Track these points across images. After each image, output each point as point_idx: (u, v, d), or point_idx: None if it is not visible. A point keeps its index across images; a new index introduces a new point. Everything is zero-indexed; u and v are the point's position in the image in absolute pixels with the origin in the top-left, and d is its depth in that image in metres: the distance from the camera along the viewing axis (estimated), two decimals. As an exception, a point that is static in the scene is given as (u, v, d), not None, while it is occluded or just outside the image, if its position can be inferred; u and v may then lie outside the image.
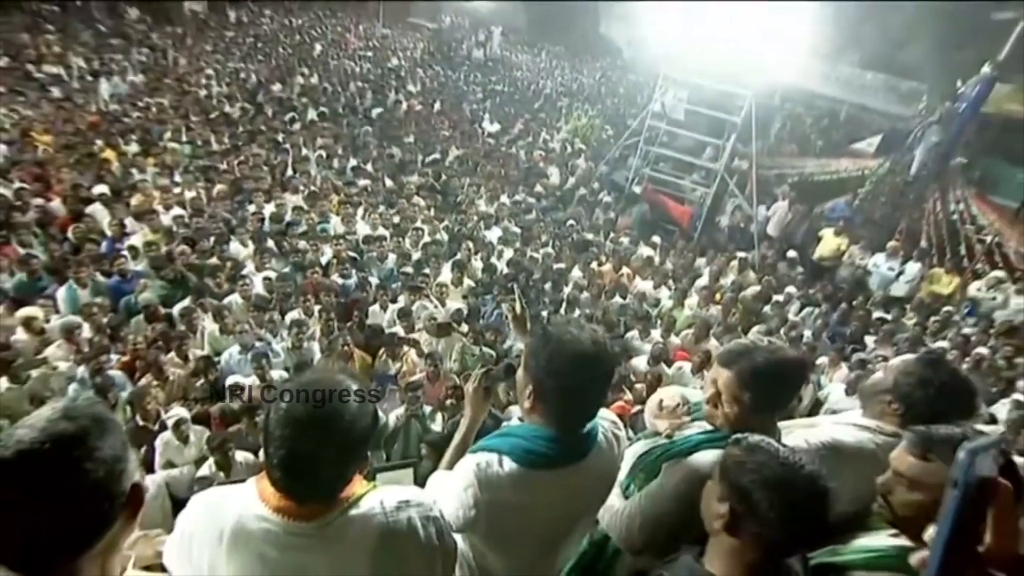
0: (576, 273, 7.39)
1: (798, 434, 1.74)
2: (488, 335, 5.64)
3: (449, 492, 1.43)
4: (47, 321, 5.19)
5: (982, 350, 6.38)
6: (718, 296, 7.29)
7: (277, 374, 5.01)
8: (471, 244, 7.38)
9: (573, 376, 1.37)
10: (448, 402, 4.74)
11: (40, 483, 0.87)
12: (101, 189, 7.15)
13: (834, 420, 1.94)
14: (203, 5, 19.65)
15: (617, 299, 6.93)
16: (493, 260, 7.23)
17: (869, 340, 6.76)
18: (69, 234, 6.38)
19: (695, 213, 10.04)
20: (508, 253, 7.52)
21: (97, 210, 6.88)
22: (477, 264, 7.16)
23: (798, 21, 9.29)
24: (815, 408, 5.55)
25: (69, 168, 7.71)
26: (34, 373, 4.62)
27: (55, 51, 12.39)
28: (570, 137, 13.52)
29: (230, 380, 4.76)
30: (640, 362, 5.79)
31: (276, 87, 12.97)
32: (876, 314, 7.42)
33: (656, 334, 6.30)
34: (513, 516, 1.42)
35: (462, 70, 19.17)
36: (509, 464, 1.40)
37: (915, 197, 9.41)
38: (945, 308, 7.45)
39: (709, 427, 1.68)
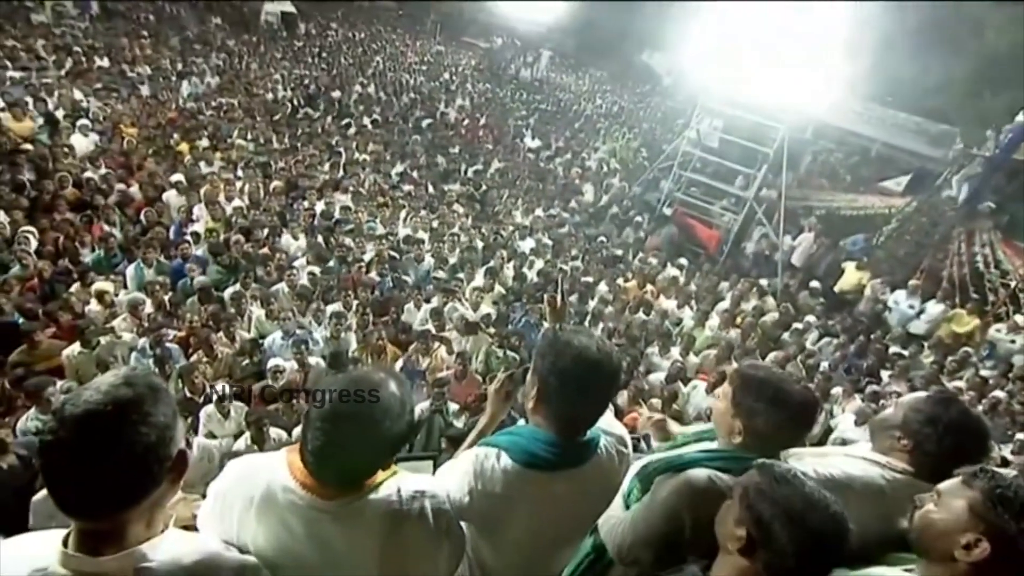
0: (602, 287, 7.32)
1: (808, 462, 1.68)
2: (514, 340, 5.62)
3: (450, 478, 1.44)
4: (116, 295, 5.41)
5: (999, 393, 6.07)
6: (738, 320, 7.13)
7: (315, 360, 5.10)
8: (504, 253, 7.40)
9: (575, 378, 1.35)
10: (472, 402, 4.75)
11: (101, 440, 0.92)
12: (176, 178, 7.43)
13: (844, 452, 1.87)
14: (277, 16, 20.29)
15: (640, 315, 6.84)
16: (524, 269, 7.22)
17: (885, 374, 6.51)
18: (143, 217, 6.64)
19: (722, 238, 9.87)
20: (539, 264, 7.50)
21: (171, 197, 7.17)
22: (508, 272, 7.17)
23: (834, 60, 9.06)
24: (825, 436, 5.38)
25: (148, 158, 8.04)
26: (102, 341, 4.81)
27: (147, 53, 12.98)
28: (607, 157, 13.45)
29: (271, 363, 4.87)
30: (658, 377, 5.70)
31: (335, 94, 13.28)
32: (893, 349, 7.14)
33: (675, 352, 6.20)
34: (504, 511, 1.40)
35: (509, 88, 19.31)
36: (506, 460, 1.39)
37: (940, 238, 9.06)
38: (963, 348, 7.13)
39: (711, 446, 1.63)
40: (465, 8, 31.36)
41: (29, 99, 8.69)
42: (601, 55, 28.25)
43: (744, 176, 10.03)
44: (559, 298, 2.10)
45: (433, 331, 5.61)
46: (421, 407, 4.67)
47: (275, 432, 4.28)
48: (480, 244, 7.78)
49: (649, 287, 7.52)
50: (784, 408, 1.49)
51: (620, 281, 7.55)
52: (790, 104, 9.18)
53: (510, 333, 5.73)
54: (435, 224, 7.81)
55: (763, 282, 8.44)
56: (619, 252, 8.73)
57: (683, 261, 8.72)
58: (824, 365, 6.45)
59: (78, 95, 9.41)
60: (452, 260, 7.11)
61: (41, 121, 8.34)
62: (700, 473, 1.50)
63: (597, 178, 11.79)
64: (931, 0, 13.36)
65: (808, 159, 13.64)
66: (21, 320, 4.86)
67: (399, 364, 5.26)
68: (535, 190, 10.24)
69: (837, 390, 5.93)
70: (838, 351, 7.02)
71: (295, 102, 12.24)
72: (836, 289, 8.76)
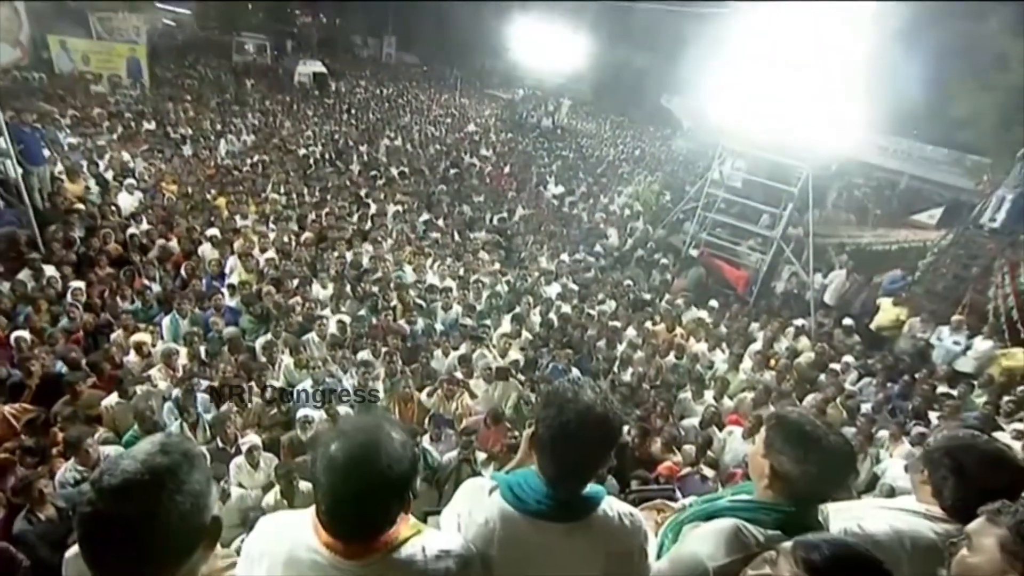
0: (631, 331, 7.24)
1: (851, 516, 1.60)
2: (543, 386, 5.55)
3: (450, 505, 1.50)
4: (154, 346, 5.57)
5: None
6: (772, 361, 6.94)
7: (344, 410, 5.11)
8: (531, 298, 7.42)
9: (572, 432, 1.32)
10: (501, 451, 4.67)
11: (138, 511, 0.93)
12: (212, 232, 7.73)
13: (883, 504, 1.79)
14: (309, 76, 21.45)
15: (671, 359, 6.72)
16: (551, 315, 7.21)
17: (933, 416, 6.19)
18: (182, 270, 6.91)
19: (751, 278, 9.73)
20: (566, 309, 7.48)
21: (206, 250, 7.45)
22: (535, 318, 7.16)
23: (855, 95, 9.08)
24: (872, 483, 5.10)
25: (186, 213, 8.43)
26: (138, 390, 4.92)
27: (189, 115, 13.84)
28: (630, 201, 13.55)
29: (300, 412, 4.88)
30: (691, 423, 5.54)
31: (364, 148, 13.79)
32: (941, 389, 6.81)
33: (709, 396, 6.03)
34: (488, 545, 1.37)
35: (531, 136, 19.81)
36: (496, 497, 1.39)
37: (980, 270, 8.75)
38: (1021, 388, 6.74)
39: (744, 495, 1.57)
40: (486, 61, 32.79)
41: (84, 162, 9.29)
42: (620, 101, 28.96)
43: (770, 215, 9.97)
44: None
45: (460, 376, 5.59)
46: (449, 456, 4.61)
47: (304, 485, 4.25)
48: (506, 290, 7.83)
49: (679, 330, 7.40)
50: (818, 456, 1.41)
51: (649, 325, 7.45)
52: (812, 141, 9.17)
53: (539, 379, 5.67)
54: (461, 272, 7.90)
55: (796, 322, 8.23)
56: (646, 295, 8.65)
57: (713, 302, 8.59)
58: (866, 407, 6.18)
59: (126, 157, 10.00)
60: (479, 307, 7.14)
61: (93, 182, 8.86)
62: (727, 523, 1.43)
63: (621, 222, 11.85)
64: (952, 31, 13.35)
65: (833, 195, 13.51)
66: (65, 371, 5.05)
67: (430, 412, 5.24)
68: (560, 235, 10.32)
69: (883, 433, 5.66)
70: (880, 392, 6.73)
71: (326, 156, 12.75)
72: (872, 327, 8.49)
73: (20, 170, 7.05)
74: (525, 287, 7.92)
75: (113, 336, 5.61)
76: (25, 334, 5.26)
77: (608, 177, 15.67)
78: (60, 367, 5.09)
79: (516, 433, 4.91)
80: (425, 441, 4.84)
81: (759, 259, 9.73)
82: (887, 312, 8.41)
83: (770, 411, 1.64)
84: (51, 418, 4.56)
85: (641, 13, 22.06)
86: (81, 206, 8.08)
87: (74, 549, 3.34)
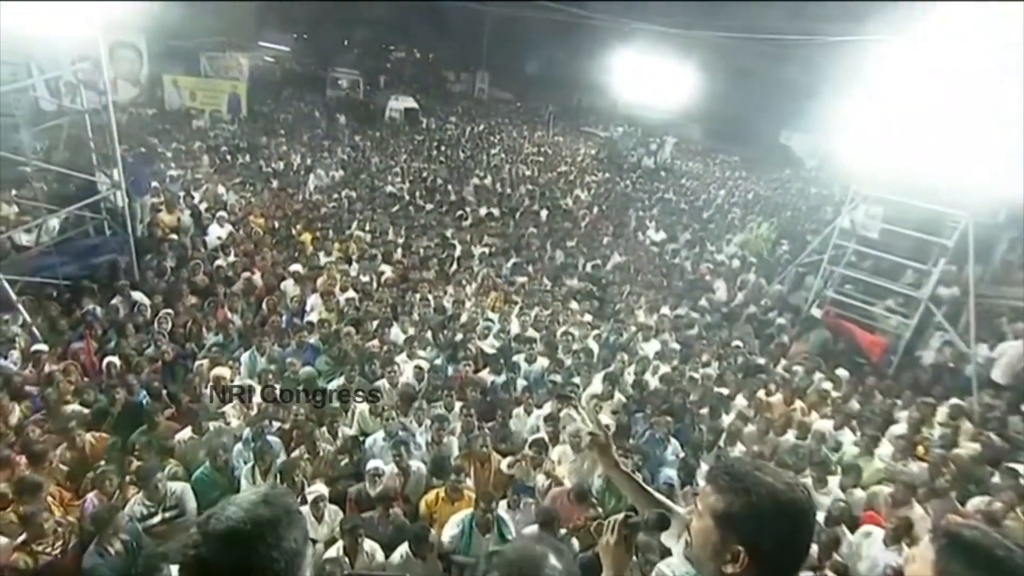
0: (740, 401, 6.87)
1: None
2: (636, 458, 5.31)
3: None
4: (232, 381, 5.97)
5: None
6: (921, 450, 6.27)
7: (416, 465, 5.16)
8: (625, 356, 7.25)
9: (795, 533, 1.25)
10: (581, 527, 4.50)
11: (238, 559, 1.00)
12: (295, 268, 8.30)
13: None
14: (400, 112, 23.03)
15: (789, 436, 6.26)
16: (647, 376, 6.99)
17: None
18: (263, 305, 7.44)
19: (889, 346, 9.00)
20: (665, 369, 7.24)
21: (288, 286, 8.00)
22: (629, 378, 6.97)
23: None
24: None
25: (271, 246, 9.14)
26: (212, 427, 5.26)
27: (282, 149, 15.23)
28: (740, 250, 13.11)
29: (371, 464, 4.98)
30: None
31: (451, 186, 14.43)
32: None
33: (834, 484, 5.52)
34: None
35: (631, 177, 19.88)
36: None
37: None
38: None
39: None
40: (583, 97, 33.67)
41: (181, 193, 10.42)
42: (732, 139, 28.54)
43: (915, 271, 9.30)
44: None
45: (546, 439, 5.49)
46: (528, 530, 4.49)
47: (369, 545, 4.30)
48: (598, 346, 7.71)
49: (798, 403, 6.92)
50: None
51: (762, 394, 7.03)
52: (973, 185, 8.45)
53: (632, 450, 5.45)
54: (549, 322, 7.92)
55: (952, 402, 7.42)
56: (759, 359, 8.20)
57: (842, 372, 7.98)
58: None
59: (220, 189, 11.12)
60: (567, 362, 7.07)
61: (187, 213, 9.89)
62: None
63: (730, 273, 11.45)
64: None
65: (1003, 247, 12.27)
66: (146, 400, 5.52)
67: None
68: (659, 287, 10.13)
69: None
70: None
71: (414, 194, 13.46)
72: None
73: (127, 200, 8.00)
74: (619, 343, 7.77)
75: (196, 365, 6.09)
76: (116, 360, 5.85)
77: (716, 223, 15.32)
78: (142, 396, 5.58)
79: (601, 510, 4.72)
80: (502, 508, 4.75)
81: (900, 323, 9.02)
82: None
83: (939, 526, 1.43)
84: (128, 447, 4.96)
85: (757, 44, 21.88)
86: (174, 236, 9.04)
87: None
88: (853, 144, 10.07)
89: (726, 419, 6.45)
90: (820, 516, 5.05)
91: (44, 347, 5.93)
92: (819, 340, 9.09)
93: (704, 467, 5.41)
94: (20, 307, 6.38)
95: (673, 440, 5.89)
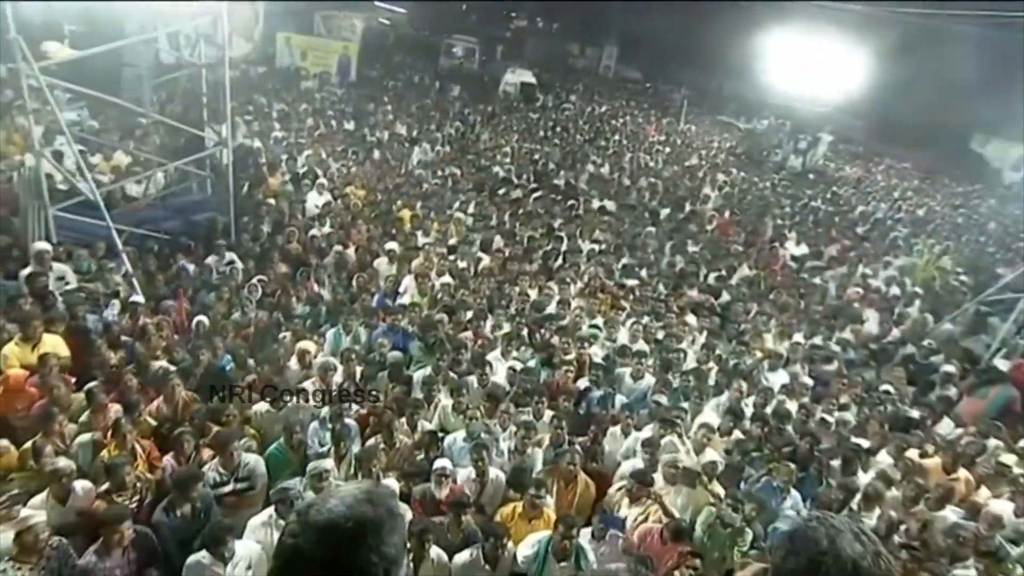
0: (884, 458, 6.39)
1: None
2: (749, 508, 5.07)
3: None
4: (316, 356, 6.34)
5: None
6: None
7: (494, 473, 5.24)
8: (745, 385, 6.98)
9: None
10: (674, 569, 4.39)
11: (336, 555, 1.05)
12: (390, 246, 8.69)
13: None
14: (516, 87, 23.41)
15: (947, 513, 5.72)
16: (770, 410, 6.69)
17: None
18: (354, 281, 7.84)
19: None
20: (791, 406, 6.89)
21: (381, 264, 8.40)
22: (748, 410, 6.70)
23: None
24: None
25: (368, 220, 9.60)
26: (290, 402, 5.62)
27: (388, 119, 15.98)
28: (902, 276, 12.22)
29: (438, 463, 5.01)
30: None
31: (564, 172, 14.50)
32: None
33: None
34: None
35: (771, 178, 19.13)
36: None
37: None
38: None
39: None
40: (724, 82, 32.50)
41: (284, 156, 11.19)
42: (904, 142, 26.56)
43: None
44: None
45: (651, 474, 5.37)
46: (615, 566, 4.45)
47: (435, 552, 4.39)
48: (715, 368, 7.48)
49: (963, 473, 6.32)
50: None
51: (913, 454, 6.50)
52: None
53: (743, 496, 5.22)
54: (660, 335, 7.79)
55: None
56: (913, 412, 7.61)
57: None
58: None
59: (323, 155, 11.82)
60: (676, 383, 6.91)
61: (288, 177, 10.60)
62: None
63: (886, 304, 10.70)
64: None
65: None
66: (230, 365, 5.99)
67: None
68: (794, 309, 9.67)
69: None
70: None
71: (521, 177, 13.65)
72: None
73: (231, 158, 8.71)
74: (740, 368, 7.49)
75: (281, 337, 6.52)
76: (205, 320, 6.40)
77: (873, 241, 14.38)
78: (226, 360, 6.05)
79: (699, 561, 4.57)
80: (584, 535, 4.72)
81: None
82: None
83: None
84: (209, 412, 5.40)
85: (947, 27, 20.07)
86: (273, 201, 9.72)
87: (196, 556, 3.92)
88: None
89: (863, 477, 6.03)
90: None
91: (141, 299, 6.57)
92: (1001, 399, 8.28)
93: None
94: (124, 257, 7.13)
95: (794, 492, 5.57)
